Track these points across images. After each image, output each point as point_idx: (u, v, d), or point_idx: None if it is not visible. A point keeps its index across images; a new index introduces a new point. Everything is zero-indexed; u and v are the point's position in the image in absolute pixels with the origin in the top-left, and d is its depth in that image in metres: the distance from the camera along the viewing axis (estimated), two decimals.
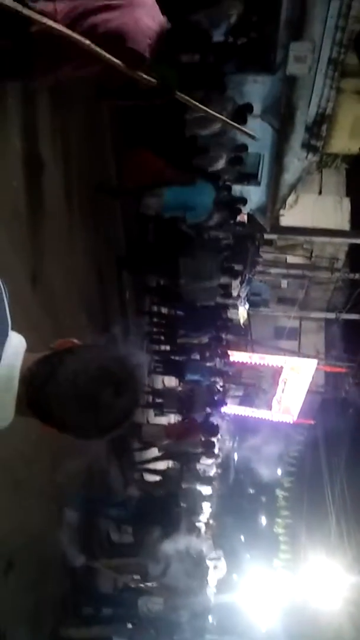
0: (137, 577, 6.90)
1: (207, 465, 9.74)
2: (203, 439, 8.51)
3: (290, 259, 16.81)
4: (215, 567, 9.30)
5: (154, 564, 6.29)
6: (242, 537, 22.51)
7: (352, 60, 8.67)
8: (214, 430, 8.64)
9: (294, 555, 21.46)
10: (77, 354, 1.28)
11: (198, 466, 9.08)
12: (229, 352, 12.60)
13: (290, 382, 15.14)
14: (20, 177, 3.56)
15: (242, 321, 14.05)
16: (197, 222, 6.72)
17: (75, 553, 5.02)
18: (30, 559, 4.00)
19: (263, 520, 25.56)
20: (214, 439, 9.03)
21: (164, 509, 6.76)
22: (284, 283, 18.04)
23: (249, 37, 6.64)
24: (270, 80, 8.21)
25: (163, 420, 9.93)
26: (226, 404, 12.42)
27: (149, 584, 6.96)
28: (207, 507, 12.22)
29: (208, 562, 8.10)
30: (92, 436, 1.30)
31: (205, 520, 12.05)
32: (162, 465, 9.18)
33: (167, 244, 7.25)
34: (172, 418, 10.14)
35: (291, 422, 16.55)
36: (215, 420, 9.94)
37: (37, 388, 1.23)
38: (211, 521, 13.46)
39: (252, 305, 14.77)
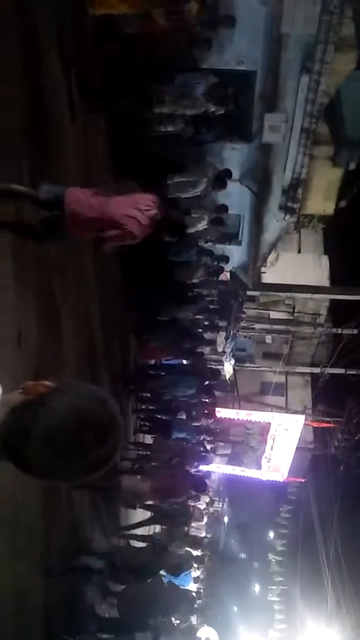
0: None
1: (196, 528, 9.40)
2: (192, 492, 8.19)
3: (274, 314, 17.06)
4: None
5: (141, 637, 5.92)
6: (235, 607, 21.32)
7: (323, 129, 9.27)
8: (202, 484, 8.34)
9: (290, 624, 20.29)
10: (51, 403, 1.23)
11: (187, 529, 8.74)
12: (216, 409, 12.49)
13: (278, 439, 14.93)
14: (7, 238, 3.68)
15: (228, 377, 14.02)
16: None
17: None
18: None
19: (256, 587, 24.33)
20: (203, 495, 8.73)
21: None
22: (269, 338, 18.19)
23: (227, 108, 7.09)
24: (247, 148, 8.69)
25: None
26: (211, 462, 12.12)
27: None
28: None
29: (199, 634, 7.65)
30: (68, 481, 1.37)
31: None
32: (147, 530, 8.83)
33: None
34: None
35: (281, 481, 16.16)
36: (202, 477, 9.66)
37: (12, 443, 1.22)
38: (201, 590, 12.82)
39: (238, 360, 14.81)
